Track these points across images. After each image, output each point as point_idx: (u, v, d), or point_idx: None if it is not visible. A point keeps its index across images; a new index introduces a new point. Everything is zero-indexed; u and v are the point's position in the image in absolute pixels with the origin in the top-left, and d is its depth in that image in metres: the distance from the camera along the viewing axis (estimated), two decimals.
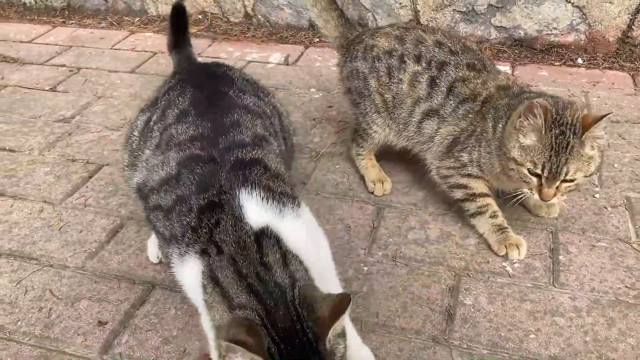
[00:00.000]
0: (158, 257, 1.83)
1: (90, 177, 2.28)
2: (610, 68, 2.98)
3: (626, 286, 1.71)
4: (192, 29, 3.61)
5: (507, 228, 1.88)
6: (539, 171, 1.68)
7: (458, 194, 1.95)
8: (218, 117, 1.52)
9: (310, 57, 3.26)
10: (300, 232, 1.34)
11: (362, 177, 2.22)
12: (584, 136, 1.62)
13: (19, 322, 1.65)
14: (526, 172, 1.70)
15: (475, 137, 1.88)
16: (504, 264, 1.81)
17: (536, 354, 1.51)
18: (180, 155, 1.44)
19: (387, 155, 2.35)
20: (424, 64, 1.97)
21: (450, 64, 1.95)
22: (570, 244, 1.87)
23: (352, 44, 2.20)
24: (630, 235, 1.90)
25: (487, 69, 1.97)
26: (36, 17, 3.94)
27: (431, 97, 1.95)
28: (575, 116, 1.65)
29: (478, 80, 1.92)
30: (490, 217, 1.90)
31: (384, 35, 2.09)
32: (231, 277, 1.20)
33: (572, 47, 3.09)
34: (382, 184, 2.16)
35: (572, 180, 1.68)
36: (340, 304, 1.12)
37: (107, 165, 2.35)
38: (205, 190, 1.34)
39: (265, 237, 1.26)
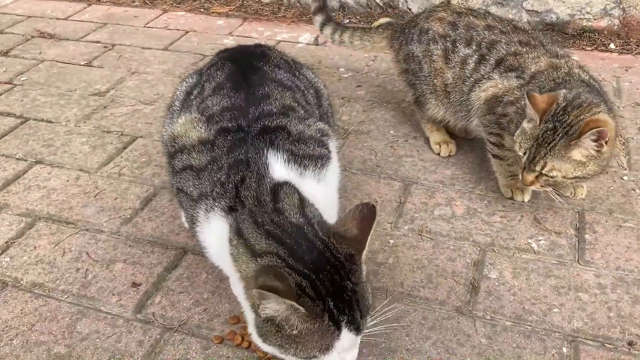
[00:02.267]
0: None
1: (125, 148, 2.35)
2: None
3: None
4: (224, 9, 3.67)
5: (517, 175, 1.92)
6: (520, 154, 1.76)
7: (492, 138, 2.02)
8: (251, 89, 1.57)
9: None
10: (318, 195, 1.40)
11: (427, 140, 2.31)
12: (574, 141, 1.65)
13: (58, 281, 1.73)
14: (517, 149, 1.78)
15: (515, 108, 1.90)
16: (529, 240, 1.83)
17: (559, 327, 1.53)
18: (216, 125, 1.49)
19: (415, 132, 2.37)
20: (474, 47, 2.04)
21: (501, 41, 2.01)
22: (597, 224, 1.88)
23: (406, 27, 2.28)
24: None
25: (546, 48, 1.98)
26: None
27: (477, 71, 2.02)
28: (580, 118, 1.67)
29: (530, 55, 1.95)
30: (508, 164, 2.00)
31: (437, 20, 2.16)
32: (251, 227, 1.26)
33: (605, 32, 3.06)
34: (447, 145, 2.25)
35: (550, 177, 1.72)
36: (369, 213, 1.20)
37: (140, 137, 2.41)
38: (233, 150, 1.40)
39: (282, 187, 1.32)
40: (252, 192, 1.32)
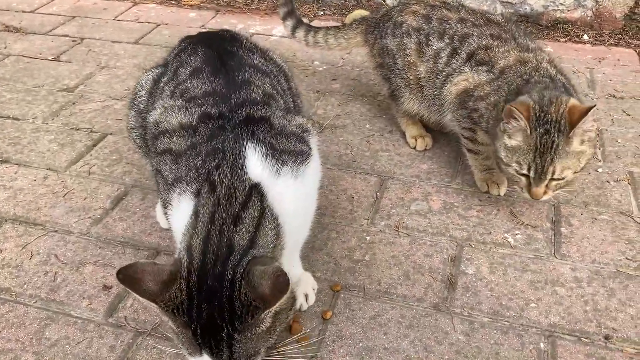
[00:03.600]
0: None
1: (95, 145, 2.29)
2: (616, 45, 2.97)
3: (627, 258, 1.72)
4: (195, 1, 3.60)
5: (494, 169, 1.97)
6: (524, 171, 1.69)
7: (465, 132, 2.00)
8: (230, 74, 1.54)
9: None
10: (293, 193, 1.36)
11: (402, 134, 2.30)
12: (571, 133, 1.61)
13: (25, 285, 1.67)
14: (513, 172, 1.72)
15: (485, 104, 1.88)
16: (505, 234, 1.82)
17: (536, 322, 1.53)
18: (198, 109, 1.46)
19: (391, 125, 2.35)
20: (447, 40, 2.02)
21: (473, 34, 1.99)
22: (572, 217, 1.88)
23: (380, 21, 2.26)
24: (632, 209, 1.91)
25: (517, 41, 1.96)
26: None
27: (449, 64, 2.00)
28: (560, 112, 1.64)
29: (500, 49, 1.93)
30: (483, 158, 2.00)
31: (411, 13, 2.15)
32: (205, 217, 1.23)
33: (579, 23, 3.07)
34: (423, 138, 2.24)
35: (561, 178, 1.69)
36: (282, 286, 1.10)
37: (111, 134, 2.35)
38: (213, 138, 1.37)
39: (252, 193, 1.28)
40: (225, 180, 1.27)
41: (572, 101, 1.68)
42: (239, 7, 3.50)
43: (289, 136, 1.45)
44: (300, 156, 1.44)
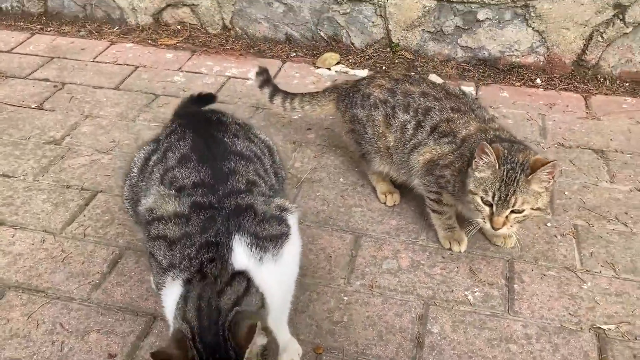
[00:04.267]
0: None
1: (87, 204, 2.44)
2: (565, 89, 3.23)
3: (569, 313, 1.98)
4: (172, 40, 3.74)
5: (455, 227, 2.23)
6: (489, 199, 1.93)
7: (432, 195, 2.23)
8: (217, 164, 1.71)
9: (287, 73, 3.43)
10: (275, 276, 1.57)
11: (373, 189, 2.51)
12: (530, 176, 1.88)
13: (35, 356, 1.84)
14: (479, 200, 1.97)
15: (450, 170, 2.13)
16: (466, 292, 2.06)
17: None
18: (189, 199, 1.63)
19: (362, 179, 2.56)
20: (411, 113, 2.26)
21: (435, 108, 2.23)
22: (524, 273, 2.13)
23: (350, 91, 2.49)
24: (575, 263, 2.17)
25: (475, 112, 2.23)
26: (13, 23, 3.98)
27: (415, 136, 2.23)
28: (526, 158, 1.92)
29: (461, 121, 2.18)
30: (446, 218, 2.24)
31: (377, 87, 2.37)
32: (193, 298, 1.44)
33: (532, 67, 3.33)
34: (392, 195, 2.45)
35: (520, 212, 1.93)
36: (249, 332, 1.33)
37: (101, 192, 2.50)
38: (206, 231, 1.55)
39: (237, 276, 1.48)
40: (215, 271, 1.48)
41: (537, 155, 1.98)
42: (214, 47, 3.65)
43: (270, 220, 1.64)
44: (280, 239, 1.63)
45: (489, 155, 1.90)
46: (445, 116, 2.19)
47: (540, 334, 1.91)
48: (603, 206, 2.43)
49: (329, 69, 3.44)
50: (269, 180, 1.85)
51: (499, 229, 1.94)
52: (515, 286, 2.08)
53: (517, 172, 1.89)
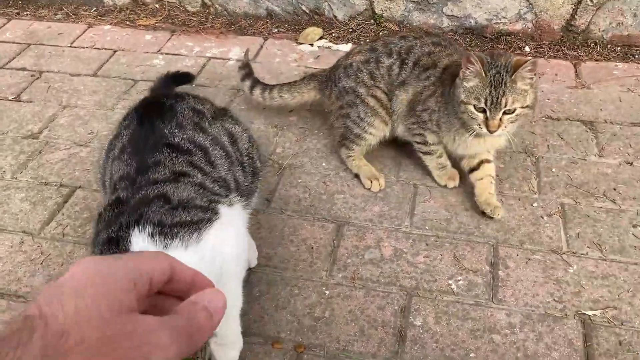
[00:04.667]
0: None
1: (65, 202, 2.40)
2: (555, 57, 3.13)
3: (554, 299, 1.95)
4: (150, 21, 3.63)
5: (447, 165, 2.38)
6: (482, 105, 2.02)
7: (417, 138, 2.35)
8: (145, 155, 1.64)
9: (269, 52, 3.34)
10: (188, 263, 1.49)
11: (356, 176, 2.46)
12: (514, 75, 1.98)
13: None
14: (472, 109, 2.05)
15: (435, 98, 2.22)
16: (449, 281, 2.03)
17: None
18: (112, 195, 1.59)
19: (344, 165, 2.50)
20: (395, 56, 2.32)
21: (415, 45, 2.32)
22: (509, 258, 2.10)
23: (330, 73, 2.50)
24: (561, 245, 2.13)
25: (454, 47, 2.34)
26: None
27: (400, 75, 2.31)
28: (508, 61, 2.02)
29: (442, 53, 2.27)
30: (437, 157, 2.36)
31: (357, 54, 2.42)
32: None
33: (520, 34, 3.22)
34: (378, 180, 2.43)
35: (512, 112, 2.02)
36: None
37: (80, 187, 2.46)
38: (110, 227, 1.49)
39: None
40: None
41: (517, 57, 2.07)
42: (194, 26, 3.55)
43: (188, 208, 1.53)
44: (196, 225, 1.50)
45: (474, 64, 2.00)
46: (427, 50, 2.30)
47: (524, 322, 1.89)
48: (591, 182, 2.38)
49: (312, 44, 3.34)
50: (215, 172, 1.73)
51: (494, 131, 2.03)
52: (500, 272, 2.05)
53: (503, 75, 1.99)
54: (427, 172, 2.45)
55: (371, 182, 2.41)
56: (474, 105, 2.04)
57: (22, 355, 0.47)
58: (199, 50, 3.37)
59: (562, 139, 2.61)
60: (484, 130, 2.05)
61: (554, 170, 2.45)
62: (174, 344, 0.54)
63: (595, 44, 3.14)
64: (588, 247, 2.12)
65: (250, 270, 2.07)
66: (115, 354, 0.50)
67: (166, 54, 3.34)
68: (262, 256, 2.13)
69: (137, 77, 3.15)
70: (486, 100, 2.01)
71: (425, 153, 2.37)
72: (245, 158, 1.92)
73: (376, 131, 2.40)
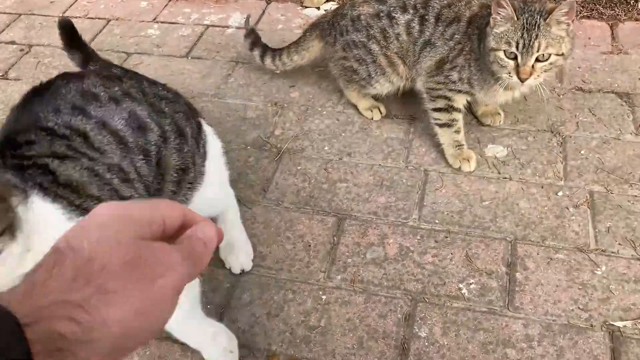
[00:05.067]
0: None
1: None
2: (588, 17, 2.80)
3: (579, 307, 1.73)
4: None
5: (463, 145, 2.18)
6: (513, 49, 1.88)
7: (439, 104, 2.16)
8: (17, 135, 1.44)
9: (272, 17, 3.07)
10: None
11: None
12: (548, 18, 1.85)
13: None
14: (502, 55, 1.91)
15: (463, 56, 2.07)
16: (460, 285, 1.82)
17: None
18: None
19: (349, 147, 2.28)
20: (411, 11, 2.14)
21: None
22: (528, 258, 1.87)
23: (334, 21, 2.33)
24: (589, 241, 1.90)
25: None
26: None
27: (423, 32, 2.14)
28: (543, 6, 1.90)
29: (461, 3, 2.10)
30: (454, 132, 2.17)
31: (363, 3, 2.22)
32: None
33: None
34: (378, 108, 2.38)
35: (545, 59, 1.88)
36: None
37: None
38: None
39: None
40: None
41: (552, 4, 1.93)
42: None
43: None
44: None
45: (505, 8, 1.87)
46: (446, 2, 2.11)
47: (543, 334, 1.68)
48: (625, 166, 2.11)
49: (318, 8, 3.06)
50: (105, 159, 1.50)
51: (526, 78, 1.89)
52: (518, 275, 1.83)
53: (536, 18, 1.86)
54: (440, 155, 2.22)
55: (372, 111, 2.38)
56: (505, 51, 1.90)
57: (58, 278, 0.56)
58: (197, 17, 3.12)
59: (593, 114, 2.33)
60: (514, 78, 1.91)
61: (583, 152, 2.18)
62: (183, 266, 0.63)
63: (636, 0, 2.79)
64: (619, 244, 1.88)
65: (242, 273, 1.90)
66: (135, 274, 0.59)
67: (162, 22, 3.11)
68: (256, 255, 1.95)
69: (131, 50, 2.94)
70: (517, 44, 1.87)
71: (442, 125, 2.18)
72: (153, 148, 1.61)
73: (383, 88, 2.31)
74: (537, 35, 1.85)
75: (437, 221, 2.01)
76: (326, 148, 2.32)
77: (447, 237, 1.96)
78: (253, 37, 2.56)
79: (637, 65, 2.52)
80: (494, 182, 2.11)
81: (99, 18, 3.20)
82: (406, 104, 2.46)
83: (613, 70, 2.51)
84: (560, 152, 2.19)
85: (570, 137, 2.25)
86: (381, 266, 1.89)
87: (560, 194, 2.05)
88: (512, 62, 1.90)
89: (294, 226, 2.04)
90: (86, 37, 3.05)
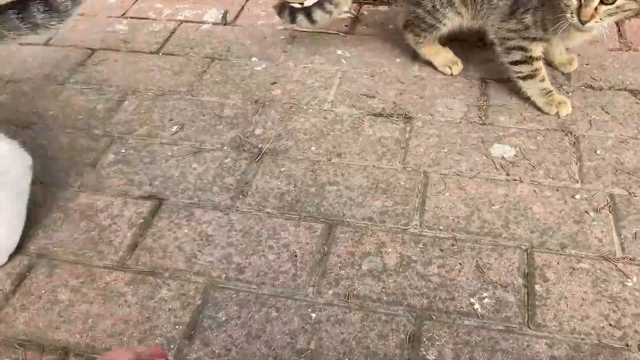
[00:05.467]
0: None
1: None
2: None
3: (610, 324, 1.49)
4: None
5: (552, 91, 2.11)
6: None
7: (516, 56, 2.08)
8: None
9: (252, 13, 2.84)
10: None
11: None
12: None
13: None
14: None
15: None
16: (471, 299, 1.57)
17: None
18: None
19: (339, 147, 2.03)
20: None
21: None
22: (548, 268, 1.63)
23: None
24: (614, 249, 1.66)
25: None
26: None
27: None
28: None
29: None
30: (540, 80, 2.10)
31: None
32: None
33: None
34: (457, 64, 2.33)
35: (611, 3, 1.76)
36: None
37: None
38: None
39: None
40: None
41: None
42: None
43: None
44: None
45: None
46: None
47: (571, 356, 1.43)
48: None
49: (302, 3, 2.84)
50: None
51: (587, 21, 1.79)
52: (537, 287, 1.58)
53: None
54: (438, 155, 1.98)
55: (450, 68, 2.33)
56: None
57: None
58: (170, 13, 2.87)
59: (606, 112, 2.12)
60: (575, 19, 1.81)
61: (599, 152, 1.97)
62: None
63: None
64: None
65: (215, 287, 1.62)
66: None
67: (131, 17, 2.85)
68: (231, 268, 1.67)
69: (96, 46, 2.67)
70: None
71: (526, 77, 2.10)
72: None
73: (451, 22, 2.22)
74: None
75: (441, 227, 1.76)
76: (313, 148, 2.06)
77: (453, 245, 1.71)
78: (287, 9, 2.43)
79: None
80: (503, 184, 1.88)
81: None
82: (400, 103, 2.23)
83: (624, 67, 2.32)
84: (574, 153, 1.97)
85: (584, 136, 2.03)
86: (379, 279, 1.63)
87: (577, 197, 1.82)
88: (575, 2, 1.79)
89: (277, 234, 1.77)
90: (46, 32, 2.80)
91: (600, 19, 1.80)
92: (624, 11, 1.82)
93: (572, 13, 1.81)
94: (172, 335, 1.52)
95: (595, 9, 1.77)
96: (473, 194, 1.86)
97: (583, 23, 1.80)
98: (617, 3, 1.77)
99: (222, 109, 2.25)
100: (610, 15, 1.81)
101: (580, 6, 1.79)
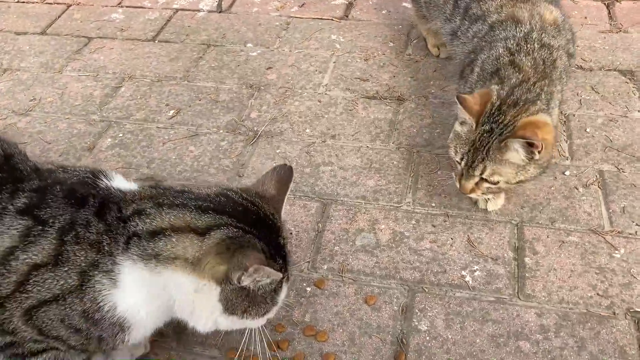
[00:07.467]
0: None
1: None
2: None
3: (598, 294, 1.52)
4: None
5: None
6: (457, 159, 1.62)
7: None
8: None
9: (247, 0, 2.87)
10: None
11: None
12: (504, 143, 1.51)
13: None
14: (453, 154, 1.64)
15: (477, 65, 1.76)
16: (463, 272, 1.60)
17: None
18: None
19: (333, 128, 2.07)
20: None
21: None
22: (537, 241, 1.66)
23: None
24: (602, 222, 1.70)
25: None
26: None
27: (454, 17, 1.96)
28: (515, 119, 1.53)
29: (495, 2, 1.82)
30: None
31: None
32: None
33: None
34: (445, 46, 2.33)
35: (493, 184, 1.59)
36: (285, 175, 1.27)
37: None
38: None
39: None
40: None
41: (537, 117, 1.53)
42: None
43: None
44: None
45: (465, 112, 1.57)
46: None
47: (560, 324, 1.46)
48: (635, 144, 1.93)
49: None
50: None
51: (465, 194, 1.65)
52: (527, 260, 1.62)
53: (493, 137, 1.53)
54: (432, 136, 2.01)
55: (439, 49, 2.39)
56: (452, 156, 1.65)
57: None
58: (165, 1, 2.90)
59: (596, 92, 2.15)
60: (457, 184, 1.66)
61: (588, 130, 2.00)
62: None
63: None
64: (637, 224, 1.68)
65: None
66: None
67: (127, 6, 2.88)
68: None
69: (92, 34, 2.70)
70: (462, 158, 1.60)
71: None
72: None
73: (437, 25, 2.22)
74: (482, 159, 1.55)
75: (433, 204, 1.79)
76: (307, 131, 2.10)
77: (445, 221, 1.74)
78: None
79: (638, 43, 2.36)
80: None
81: (57, 3, 2.95)
82: (394, 85, 2.26)
83: (614, 48, 2.35)
84: (564, 131, 2.00)
85: (574, 115, 2.06)
86: (372, 254, 1.67)
87: (567, 173, 1.86)
88: (459, 167, 1.63)
89: None
90: (42, 23, 2.84)
91: (483, 193, 1.64)
92: (511, 186, 1.63)
93: (455, 176, 1.68)
94: None
95: (477, 184, 1.61)
96: None
97: (462, 193, 1.66)
98: (499, 185, 1.59)
99: (218, 93, 2.28)
100: (492, 192, 1.66)
101: (462, 175, 1.63)
